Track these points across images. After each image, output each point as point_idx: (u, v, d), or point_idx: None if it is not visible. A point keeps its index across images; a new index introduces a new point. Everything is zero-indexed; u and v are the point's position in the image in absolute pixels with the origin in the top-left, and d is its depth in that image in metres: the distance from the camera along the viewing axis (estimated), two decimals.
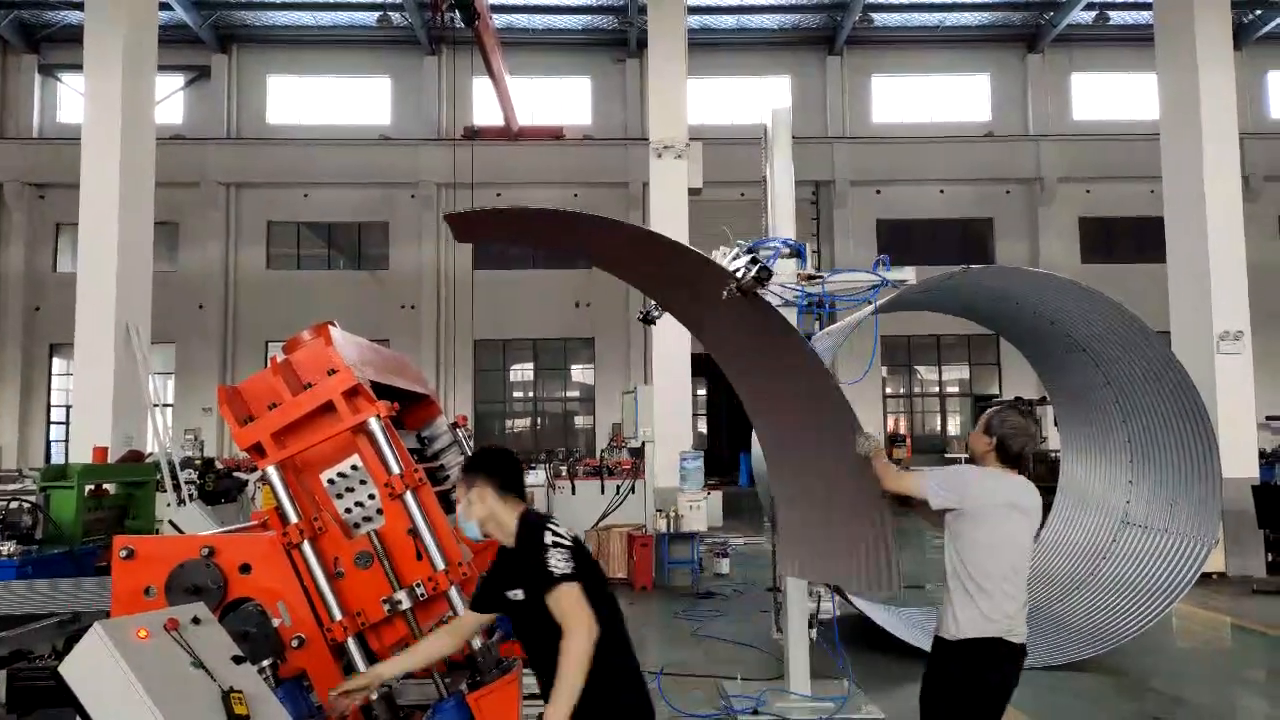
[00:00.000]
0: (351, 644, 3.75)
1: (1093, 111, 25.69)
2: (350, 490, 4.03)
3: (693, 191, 13.43)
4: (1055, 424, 9.71)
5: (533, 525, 3.10)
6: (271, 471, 3.81)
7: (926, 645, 7.04)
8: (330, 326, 4.28)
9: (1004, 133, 25.57)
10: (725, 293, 4.54)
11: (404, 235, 24.76)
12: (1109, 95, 25.65)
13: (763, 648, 7.50)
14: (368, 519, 3.99)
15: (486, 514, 3.19)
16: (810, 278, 5.39)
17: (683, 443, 12.25)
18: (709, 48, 24.13)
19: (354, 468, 4.00)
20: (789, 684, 6.07)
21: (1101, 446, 8.33)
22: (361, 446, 3.94)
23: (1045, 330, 8.06)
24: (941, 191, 25.26)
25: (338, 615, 3.73)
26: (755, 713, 5.85)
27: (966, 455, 4.09)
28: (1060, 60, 25.76)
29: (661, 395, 12.36)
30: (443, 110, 25.06)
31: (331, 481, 4.04)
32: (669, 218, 13.20)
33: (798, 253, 5.81)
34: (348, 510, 4.01)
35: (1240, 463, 10.76)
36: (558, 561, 2.92)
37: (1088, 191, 25.04)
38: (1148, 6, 17.12)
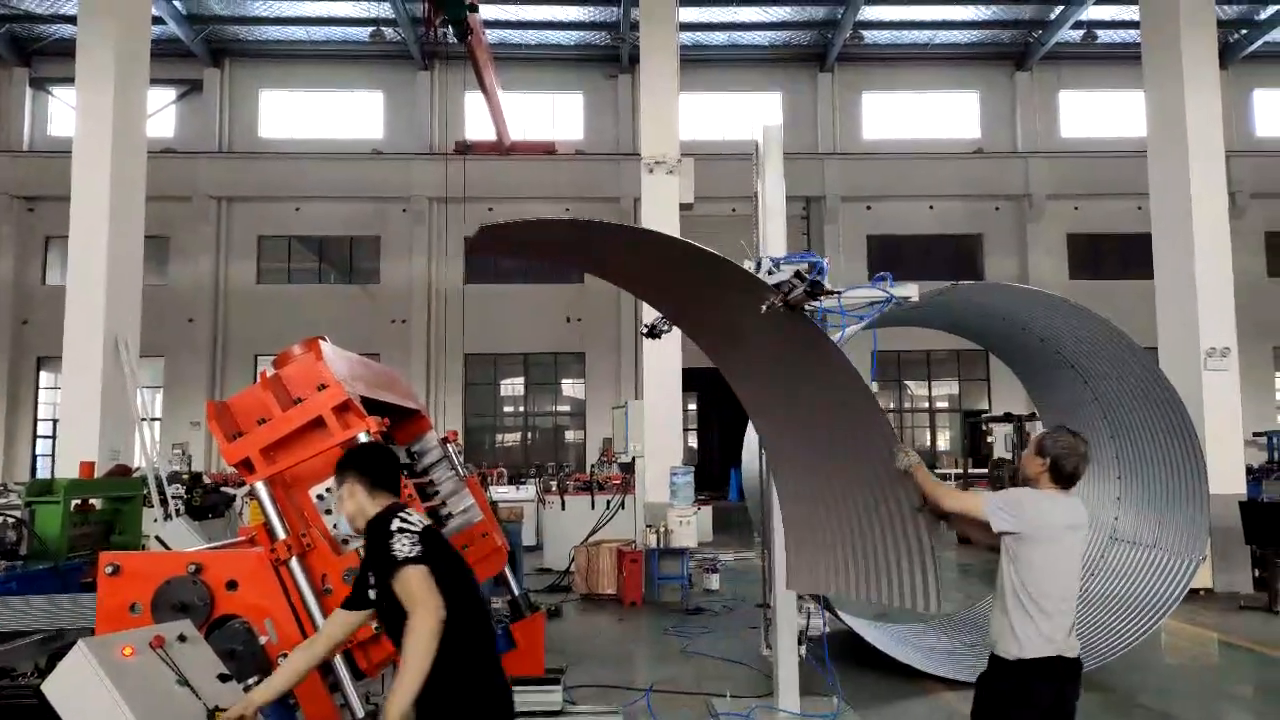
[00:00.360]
0: (339, 662, 3.74)
1: (1081, 129, 25.91)
2: None
3: (684, 206, 13.48)
4: None
5: (382, 516, 3.05)
6: (260, 487, 3.80)
7: (916, 662, 7.11)
8: (320, 341, 4.28)
9: (993, 149, 25.76)
10: (766, 306, 4.43)
11: (395, 249, 24.76)
12: (1097, 113, 25.88)
13: (752, 664, 7.48)
14: (356, 535, 3.97)
15: (356, 510, 3.15)
16: (827, 293, 5.36)
17: (673, 457, 12.24)
18: (701, 64, 24.27)
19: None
20: (778, 701, 6.06)
21: (1090, 462, 8.35)
22: None
23: (1034, 346, 8.10)
24: (931, 208, 25.41)
25: None
26: None
27: (1019, 476, 4.07)
28: (1049, 78, 26.00)
29: (652, 410, 12.36)
30: (435, 125, 25.13)
31: (321, 497, 4.04)
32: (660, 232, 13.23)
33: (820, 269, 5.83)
34: (336, 526, 4.00)
35: (1227, 479, 10.80)
36: (401, 546, 2.90)
37: (1076, 208, 25.23)
38: (1135, 25, 17.30)
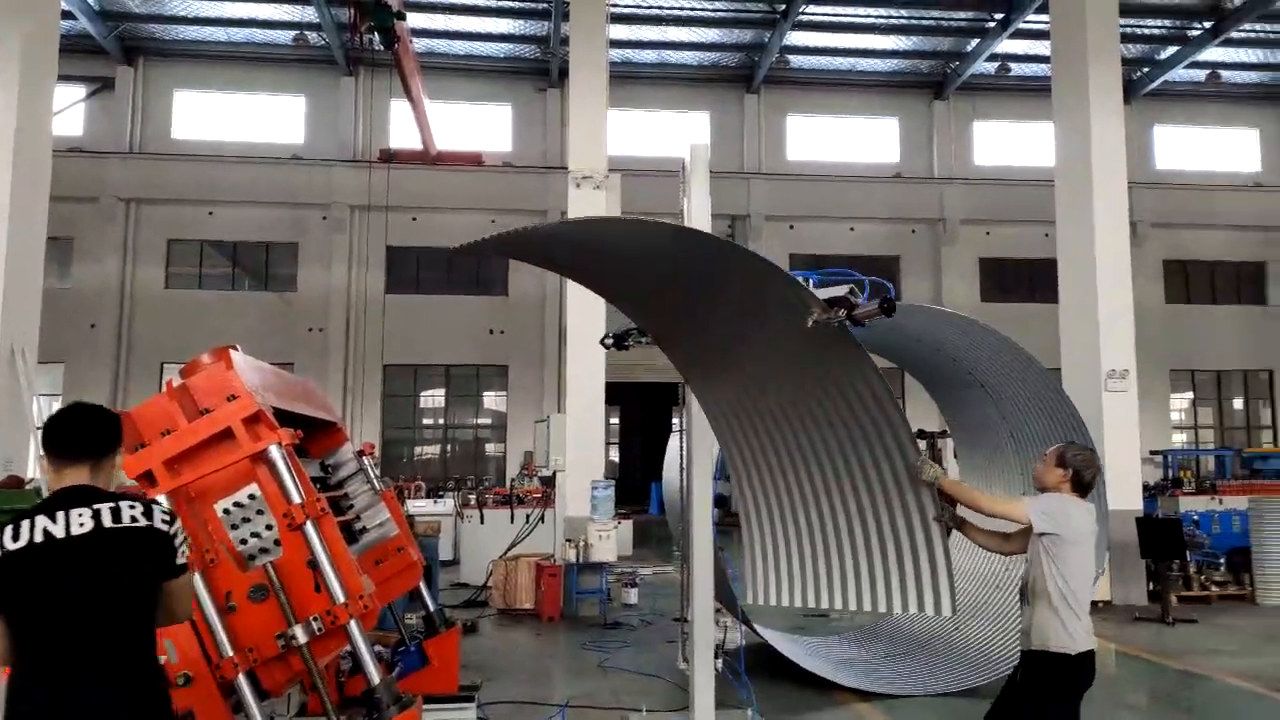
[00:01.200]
0: (242, 682, 3.62)
1: (993, 157, 26.90)
2: (247, 520, 3.90)
3: None
4: (955, 455, 10.05)
5: None
6: (162, 501, 3.67)
7: (828, 673, 7.23)
8: (231, 350, 4.16)
9: (911, 174, 26.54)
10: (813, 320, 4.37)
11: (314, 257, 24.20)
12: (1008, 142, 26.91)
13: (669, 678, 7.50)
14: (265, 550, 3.87)
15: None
16: (891, 312, 5.23)
17: (594, 471, 12.23)
18: (630, 80, 24.42)
19: (252, 497, 3.88)
20: (693, 715, 6.08)
21: (997, 478, 8.65)
22: (261, 475, 3.84)
23: (947, 366, 8.35)
24: (852, 229, 26.02)
25: (229, 652, 3.60)
26: None
27: (1036, 486, 4.40)
28: (964, 108, 26.95)
29: (574, 423, 12.33)
30: (359, 131, 24.71)
31: (227, 511, 3.92)
32: None
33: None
34: (243, 541, 3.88)
35: (1125, 495, 11.28)
36: None
37: (988, 233, 26.15)
38: (1046, 60, 18.05)
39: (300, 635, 3.61)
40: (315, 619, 3.63)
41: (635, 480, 27.56)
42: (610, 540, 10.96)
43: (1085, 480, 4.19)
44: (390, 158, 23.34)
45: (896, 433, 4.61)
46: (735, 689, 6.40)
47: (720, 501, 21.60)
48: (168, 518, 2.84)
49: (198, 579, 3.61)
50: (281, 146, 24.54)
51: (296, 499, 3.73)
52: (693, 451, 6.39)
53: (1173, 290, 26.80)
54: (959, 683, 7.23)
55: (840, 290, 4.56)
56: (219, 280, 24.61)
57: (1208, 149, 27.66)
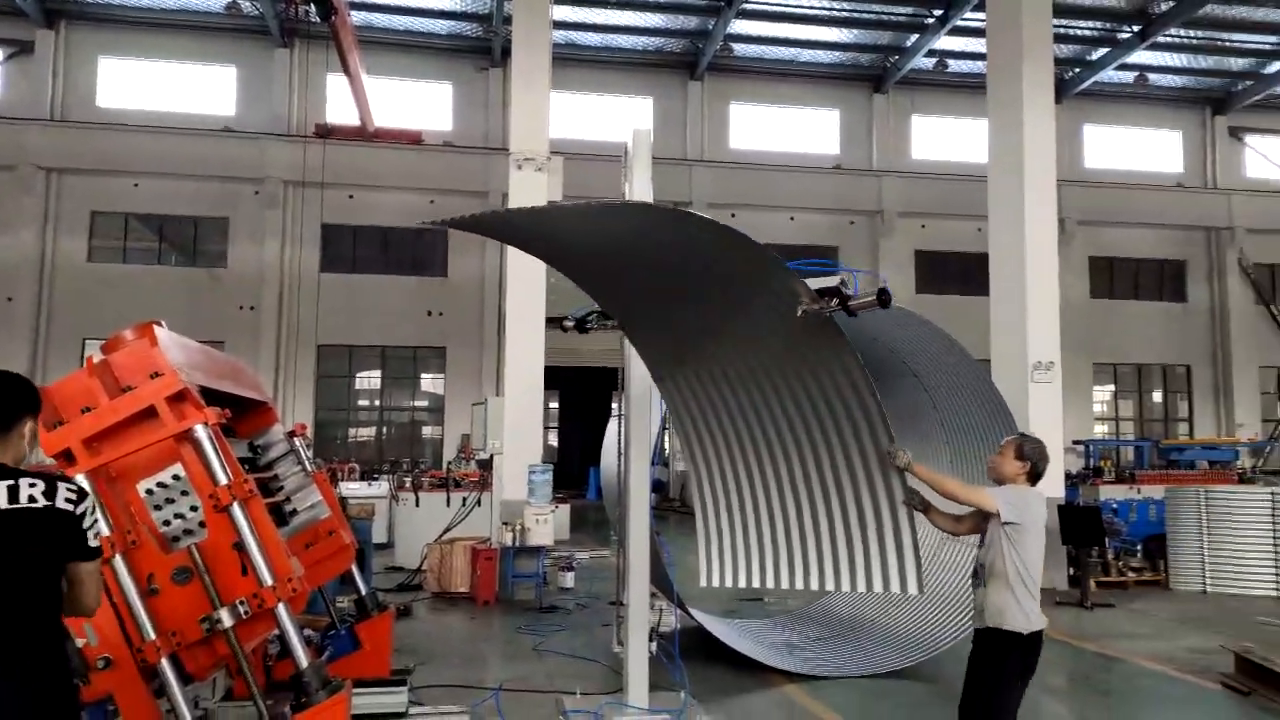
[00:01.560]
0: (165, 665, 3.53)
1: (930, 151, 27.39)
2: (171, 501, 3.80)
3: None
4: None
5: None
6: (81, 480, 3.54)
7: (761, 656, 7.33)
8: (156, 326, 4.03)
9: (850, 166, 26.89)
10: (803, 310, 4.58)
11: (245, 233, 23.53)
12: (945, 137, 27.42)
13: (604, 661, 7.53)
14: (189, 532, 3.77)
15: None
16: (887, 305, 5.32)
17: (532, 455, 12.17)
18: (573, 63, 24.25)
19: (176, 477, 3.78)
20: (627, 697, 6.12)
21: (927, 463, 8.82)
22: (186, 455, 3.73)
23: (883, 355, 8.49)
24: (792, 218, 26.27)
25: (150, 635, 3.50)
26: None
27: (993, 477, 4.67)
28: (903, 102, 27.37)
29: (513, 407, 12.25)
30: (293, 105, 24.07)
31: (150, 492, 3.80)
32: None
33: None
34: (167, 522, 3.78)
35: (1048, 483, 11.48)
36: None
37: (923, 226, 26.65)
38: (983, 57, 18.40)
39: (226, 619, 3.53)
40: (242, 602, 3.55)
41: (574, 465, 27.53)
42: (547, 524, 10.94)
43: (1040, 471, 4.54)
44: (326, 133, 22.80)
45: (871, 420, 4.81)
46: (669, 671, 6.46)
47: (658, 487, 21.71)
48: (73, 497, 2.64)
49: (119, 560, 3.50)
50: (212, 118, 23.78)
51: (223, 480, 3.64)
52: (631, 437, 6.41)
53: (1098, 286, 27.69)
54: (885, 665, 7.40)
55: (832, 281, 4.71)
56: (145, 254, 23.80)
57: (1134, 149, 28.57)
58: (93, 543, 2.66)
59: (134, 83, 23.81)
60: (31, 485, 2.59)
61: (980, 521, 4.54)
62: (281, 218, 23.33)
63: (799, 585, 5.51)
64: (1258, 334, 28.18)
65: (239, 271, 23.34)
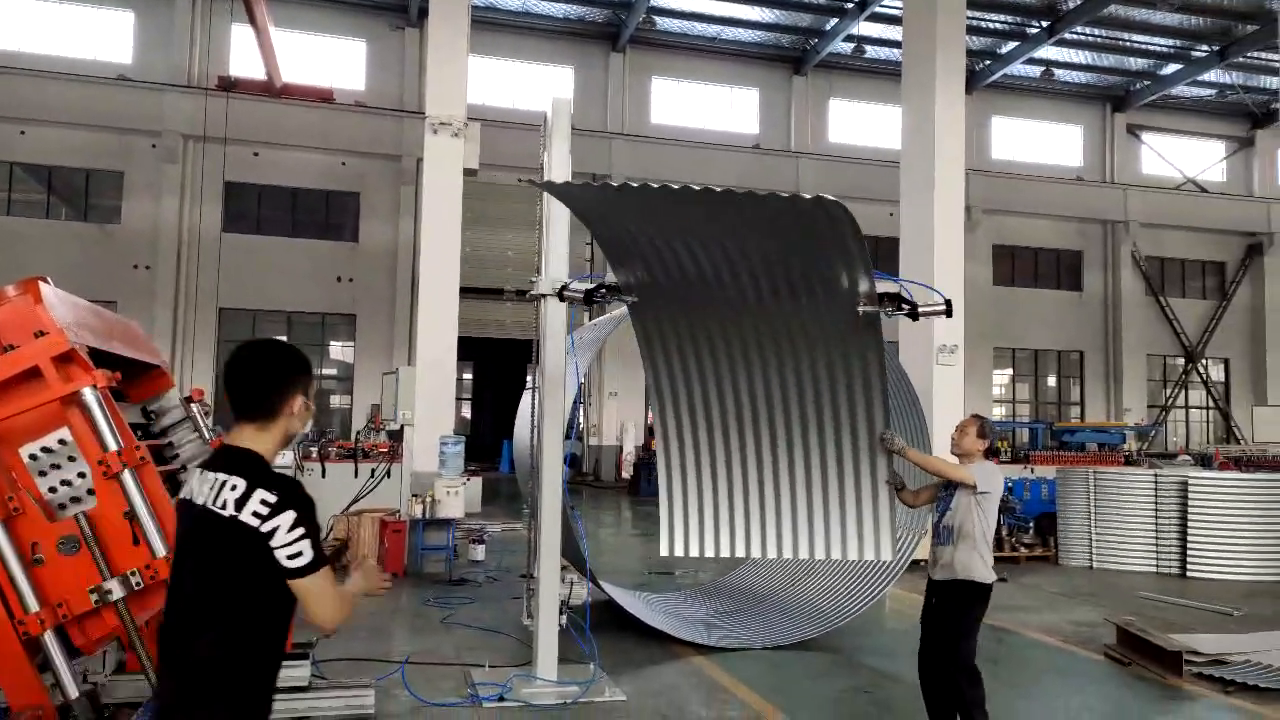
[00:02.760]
0: (50, 638, 3.35)
1: (846, 135, 27.85)
2: (57, 467, 3.59)
3: (469, 172, 13.18)
4: None
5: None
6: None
7: (670, 628, 7.41)
8: (41, 282, 3.79)
9: (769, 146, 27.13)
10: (863, 310, 4.99)
11: (141, 188, 22.39)
12: (862, 122, 27.92)
13: (513, 634, 7.49)
14: (76, 499, 3.57)
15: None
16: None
17: (444, 427, 12.00)
18: (493, 27, 23.76)
19: (62, 442, 3.57)
20: (536, 669, 6.11)
21: None
22: (73, 419, 3.53)
23: None
24: None
25: (34, 607, 3.32)
26: (501, 699, 5.83)
27: (956, 452, 5.25)
28: (822, 85, 27.72)
29: (425, 377, 12.03)
30: (194, 55, 22.91)
31: (34, 457, 3.59)
32: (443, 196, 12.88)
33: None
34: (53, 489, 3.57)
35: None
36: None
37: None
38: (899, 44, 18.75)
39: (116, 590, 3.37)
40: (134, 573, 3.39)
41: (487, 437, 27.30)
42: (458, 497, 10.79)
43: (995, 448, 5.32)
44: (230, 86, 21.83)
45: (871, 405, 5.35)
46: (578, 644, 6.46)
47: (571, 461, 21.68)
48: (264, 510, 2.29)
49: None
50: (106, 65, 22.51)
51: (113, 446, 3.45)
52: (544, 410, 6.35)
53: (1000, 273, 28.72)
54: (792, 636, 7.57)
55: (893, 286, 5.11)
56: (31, 207, 22.46)
57: (1038, 142, 29.63)
58: (290, 563, 2.30)
59: (19, 22, 22.33)
60: (233, 488, 2.31)
61: (936, 492, 5.25)
62: (180, 173, 22.27)
63: (770, 554, 5.91)
64: (1147, 324, 29.74)
65: (134, 228, 22.24)
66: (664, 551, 5.97)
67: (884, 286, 5.10)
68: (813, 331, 5.35)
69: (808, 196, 4.28)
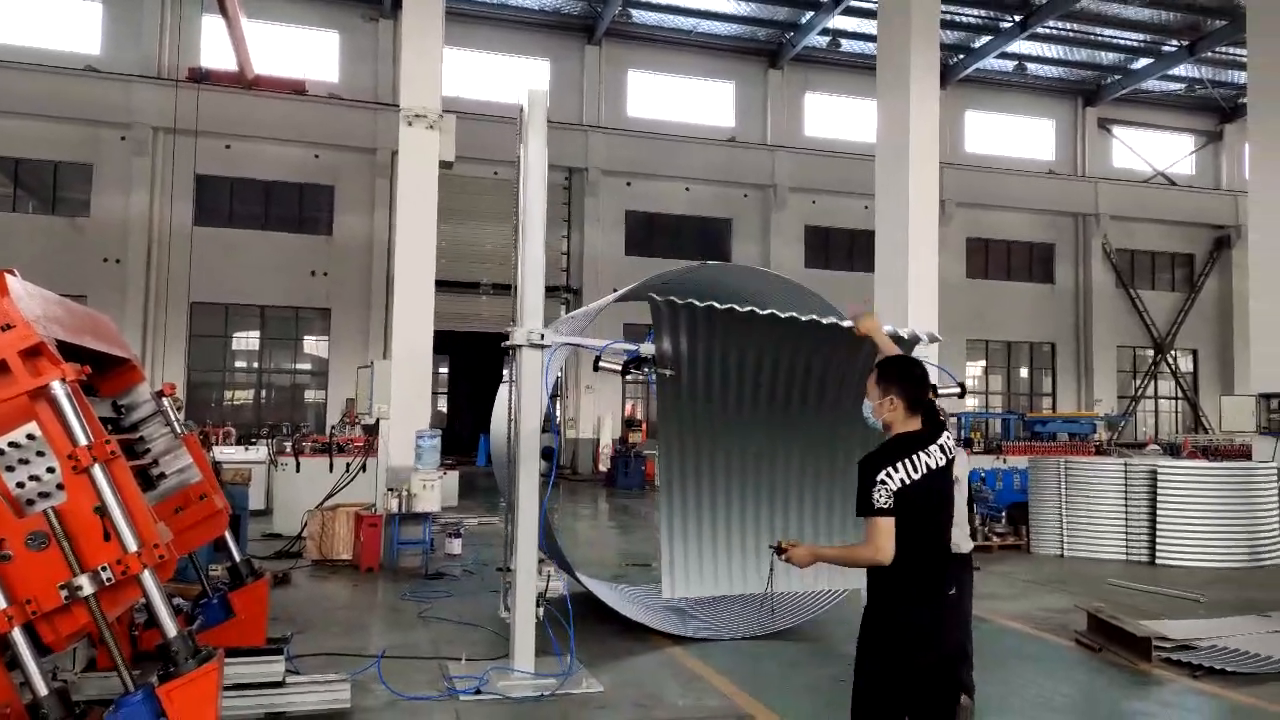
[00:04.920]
0: (18, 636, 3.31)
1: (822, 129, 27.97)
2: (25, 462, 3.54)
3: (444, 164, 13.09)
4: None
5: (876, 457, 3.45)
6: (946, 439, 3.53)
7: (646, 620, 7.43)
8: (8, 275, 3.73)
9: (745, 140, 27.18)
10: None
11: (111, 180, 22.10)
12: (837, 116, 28.04)
13: (491, 628, 7.48)
14: (45, 495, 3.52)
15: (890, 421, 3.57)
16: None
17: (420, 420, 11.92)
18: (468, 19, 23.62)
19: (31, 437, 3.52)
20: (514, 662, 6.11)
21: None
22: (41, 413, 3.48)
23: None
24: (687, 189, 26.44)
25: (1, 604, 3.27)
26: (478, 692, 5.82)
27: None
28: (797, 78, 27.79)
29: (400, 371, 11.96)
30: (165, 46, 22.62)
31: (2, 452, 3.54)
32: (418, 189, 12.78)
33: None
34: (20, 485, 3.52)
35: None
36: (878, 498, 3.36)
37: (814, 202, 27.25)
38: (874, 38, 18.85)
39: (87, 586, 3.33)
40: (104, 568, 3.35)
41: (464, 431, 27.20)
42: (435, 490, 10.75)
43: (968, 438, 5.27)
44: (201, 77, 21.58)
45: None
46: (555, 636, 6.47)
47: (548, 454, 21.68)
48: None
49: None
50: (74, 55, 22.17)
51: (83, 440, 3.41)
52: (521, 403, 6.34)
53: (973, 265, 28.97)
54: (769, 626, 7.61)
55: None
56: None
57: (1010, 136, 29.89)
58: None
59: None
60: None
61: None
62: (151, 166, 21.99)
63: (769, 589, 6.01)
64: (1117, 315, 30.12)
65: (104, 221, 21.95)
66: (665, 595, 6.19)
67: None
68: (821, 431, 5.98)
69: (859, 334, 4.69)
